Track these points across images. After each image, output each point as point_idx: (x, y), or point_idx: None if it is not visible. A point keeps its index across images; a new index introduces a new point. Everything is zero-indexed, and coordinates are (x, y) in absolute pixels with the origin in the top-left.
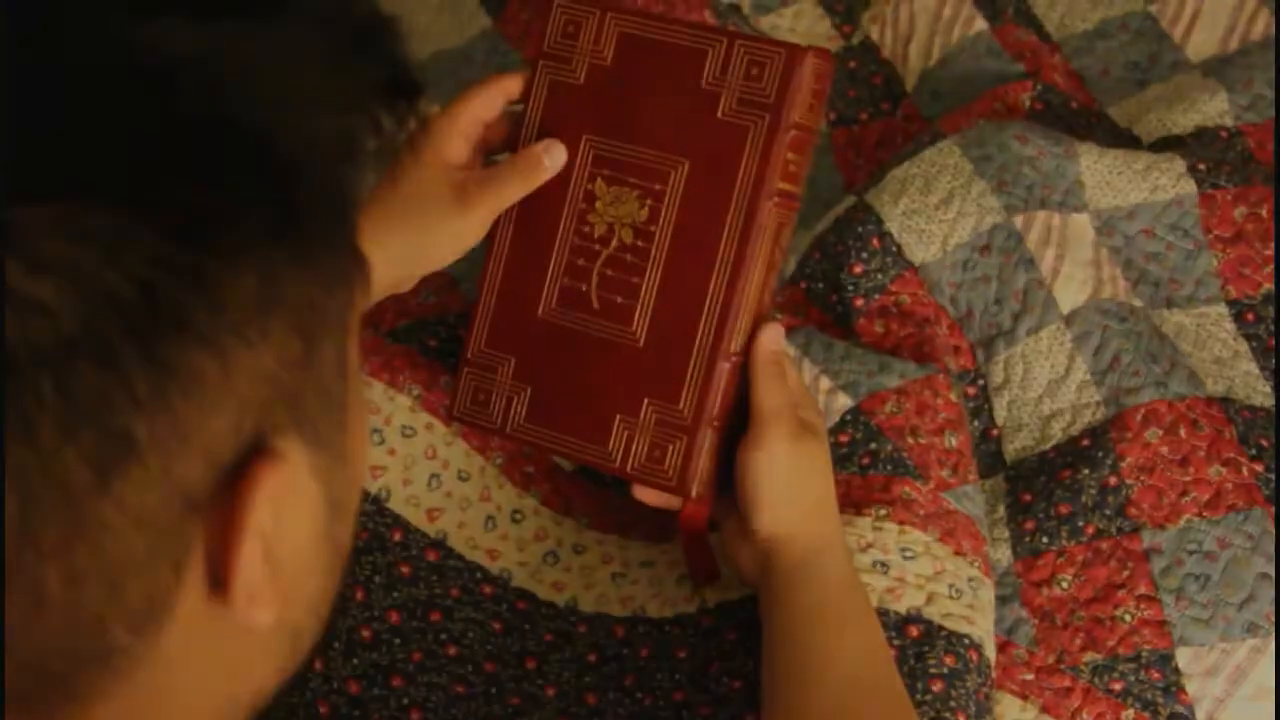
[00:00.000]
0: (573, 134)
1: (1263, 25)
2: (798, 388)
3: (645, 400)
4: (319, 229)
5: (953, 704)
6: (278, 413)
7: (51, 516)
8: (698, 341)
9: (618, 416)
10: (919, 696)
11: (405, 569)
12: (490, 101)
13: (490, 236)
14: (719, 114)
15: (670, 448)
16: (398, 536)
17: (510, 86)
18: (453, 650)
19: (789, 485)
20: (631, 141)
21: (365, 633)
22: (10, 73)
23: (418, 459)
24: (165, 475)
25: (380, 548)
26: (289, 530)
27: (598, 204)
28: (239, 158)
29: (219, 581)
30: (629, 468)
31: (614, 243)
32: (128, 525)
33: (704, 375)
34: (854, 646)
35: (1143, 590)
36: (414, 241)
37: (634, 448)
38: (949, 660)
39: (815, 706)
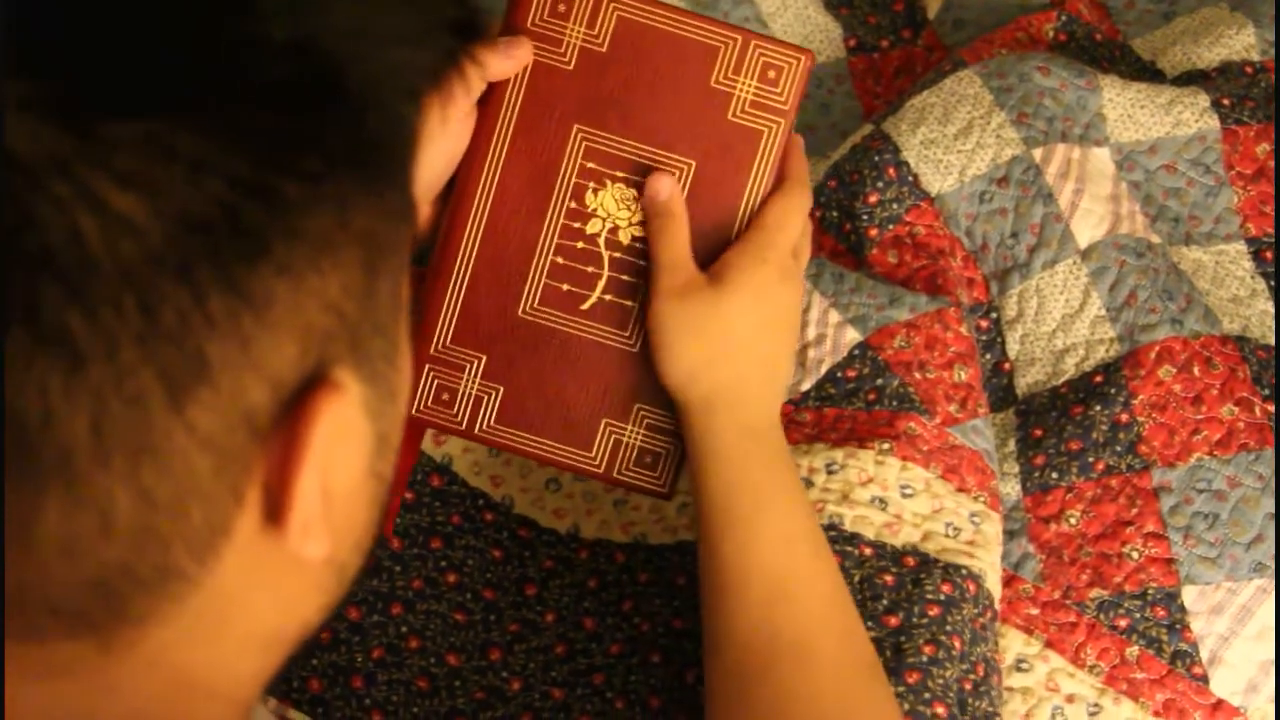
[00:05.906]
0: (560, 122)
1: None
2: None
3: (637, 406)
4: (386, 162)
5: (949, 629)
6: (338, 344)
7: (124, 435)
8: None
9: (604, 421)
10: (915, 619)
11: (409, 494)
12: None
13: (454, 227)
14: (730, 115)
15: (663, 454)
16: None
17: (524, 56)
18: (452, 578)
19: (682, 341)
20: (629, 137)
21: None
22: None
23: None
24: (233, 399)
25: None
26: (341, 466)
27: (590, 201)
28: (317, 83)
29: (275, 513)
30: (615, 473)
31: (611, 242)
32: (195, 447)
33: None
34: (773, 543)
35: (1151, 528)
36: None
37: (621, 453)
38: (945, 588)
39: (741, 625)
